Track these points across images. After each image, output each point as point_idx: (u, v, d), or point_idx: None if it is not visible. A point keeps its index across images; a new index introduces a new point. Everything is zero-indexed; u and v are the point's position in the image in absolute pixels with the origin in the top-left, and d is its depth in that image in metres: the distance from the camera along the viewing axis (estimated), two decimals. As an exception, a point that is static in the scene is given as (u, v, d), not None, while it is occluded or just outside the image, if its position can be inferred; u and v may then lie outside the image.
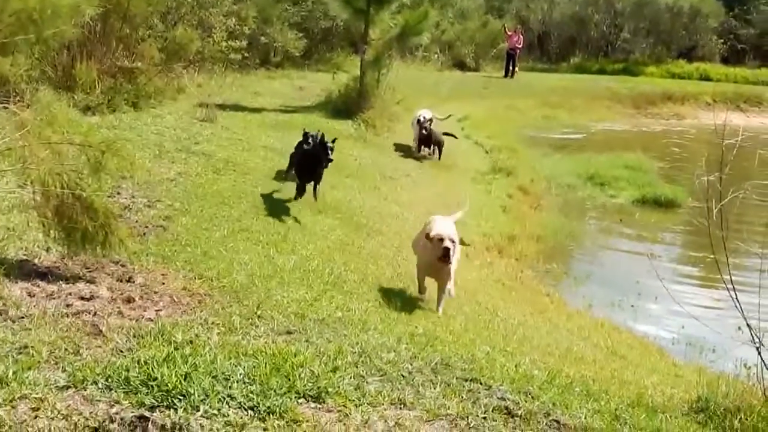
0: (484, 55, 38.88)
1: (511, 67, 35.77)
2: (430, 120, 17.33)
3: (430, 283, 8.52)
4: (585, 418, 4.96)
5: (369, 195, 13.31)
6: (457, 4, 39.09)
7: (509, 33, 36.50)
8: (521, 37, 36.98)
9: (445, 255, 7.91)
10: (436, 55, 36.22)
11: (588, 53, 44.50)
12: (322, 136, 10.88)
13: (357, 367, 5.02)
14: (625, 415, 5.31)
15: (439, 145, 17.54)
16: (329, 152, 10.61)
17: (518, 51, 36.13)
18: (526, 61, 38.10)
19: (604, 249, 15.23)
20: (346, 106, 19.15)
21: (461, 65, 37.50)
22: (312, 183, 11.23)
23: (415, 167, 16.89)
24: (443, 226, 8.22)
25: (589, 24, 45.43)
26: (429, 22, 21.34)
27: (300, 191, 11.07)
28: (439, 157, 17.69)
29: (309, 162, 10.97)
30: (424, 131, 17.08)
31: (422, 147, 17.73)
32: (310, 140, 11.18)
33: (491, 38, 39.20)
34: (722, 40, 46.76)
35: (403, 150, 18.04)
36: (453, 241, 8.01)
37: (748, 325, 6.34)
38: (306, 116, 18.41)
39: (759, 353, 6.22)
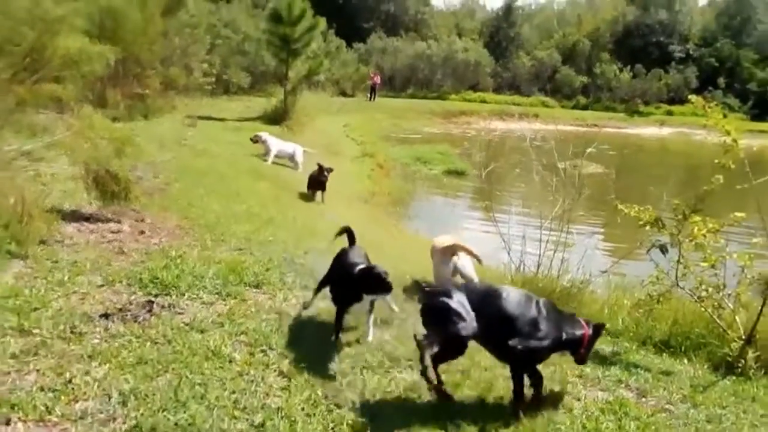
0: (357, 88, 38.61)
1: (372, 95, 35.72)
2: (329, 168, 10.61)
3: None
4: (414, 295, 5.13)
5: (288, 168, 13.12)
6: (342, 57, 38.63)
7: (372, 74, 36.73)
8: (379, 76, 37.30)
9: None
10: (329, 88, 35.78)
11: (417, 87, 44.83)
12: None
13: (281, 267, 5.03)
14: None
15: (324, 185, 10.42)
16: None
17: (377, 85, 36.16)
18: (381, 92, 37.93)
19: (426, 200, 15.49)
20: (276, 117, 18.89)
21: (344, 93, 37.04)
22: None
23: (315, 153, 16.59)
24: None
25: (417, 70, 46.12)
26: (324, 67, 22.06)
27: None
28: (323, 200, 10.47)
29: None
30: (325, 173, 10.33)
31: (315, 192, 10.48)
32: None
33: (361, 77, 39.01)
34: (493, 79, 48.62)
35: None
36: None
37: (503, 240, 6.66)
38: (252, 123, 17.97)
39: (509, 254, 6.57)
